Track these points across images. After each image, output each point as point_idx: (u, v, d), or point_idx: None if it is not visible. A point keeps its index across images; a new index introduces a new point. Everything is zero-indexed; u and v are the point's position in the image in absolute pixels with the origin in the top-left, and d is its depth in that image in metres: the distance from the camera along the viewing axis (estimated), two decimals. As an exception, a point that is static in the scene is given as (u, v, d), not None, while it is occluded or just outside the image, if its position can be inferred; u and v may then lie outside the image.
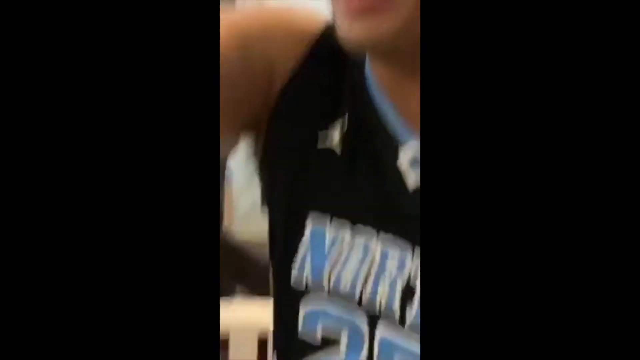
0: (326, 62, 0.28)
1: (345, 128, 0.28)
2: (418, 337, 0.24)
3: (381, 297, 0.27)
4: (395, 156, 0.27)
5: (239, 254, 0.98)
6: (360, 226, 0.27)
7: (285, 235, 0.29)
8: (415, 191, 0.26)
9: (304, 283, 0.28)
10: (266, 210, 0.31)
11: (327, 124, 0.28)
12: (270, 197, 0.31)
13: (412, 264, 0.26)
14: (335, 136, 0.28)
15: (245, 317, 0.72)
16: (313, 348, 0.29)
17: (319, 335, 0.29)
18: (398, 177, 0.27)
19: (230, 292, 0.95)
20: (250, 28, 0.28)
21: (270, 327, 0.32)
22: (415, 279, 0.26)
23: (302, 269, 0.28)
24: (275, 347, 0.31)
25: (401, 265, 0.27)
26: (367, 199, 0.28)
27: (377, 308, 0.27)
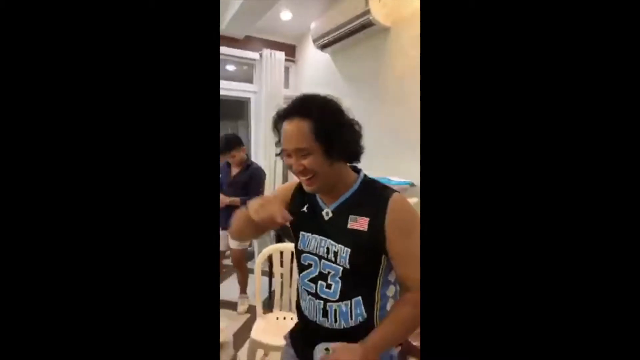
0: (303, 193, 0.85)
1: (308, 206, 0.85)
2: (338, 265, 0.77)
3: (321, 252, 0.80)
4: (321, 212, 0.82)
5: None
6: (314, 234, 0.83)
7: (296, 236, 0.87)
8: (327, 221, 0.81)
9: (301, 248, 0.84)
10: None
11: (302, 205, 0.86)
12: (292, 225, 0.87)
13: (327, 241, 0.80)
14: (305, 208, 0.85)
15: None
16: (304, 267, 0.84)
17: (306, 263, 0.83)
18: (322, 217, 0.81)
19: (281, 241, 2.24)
20: (283, 192, 0.92)
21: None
22: (329, 248, 0.79)
23: (301, 245, 0.85)
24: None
25: (322, 242, 0.80)
26: (314, 224, 0.82)
27: (322, 254, 0.80)
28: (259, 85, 3.28)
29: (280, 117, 0.75)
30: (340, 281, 0.77)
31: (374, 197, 0.77)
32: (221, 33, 3.07)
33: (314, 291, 0.81)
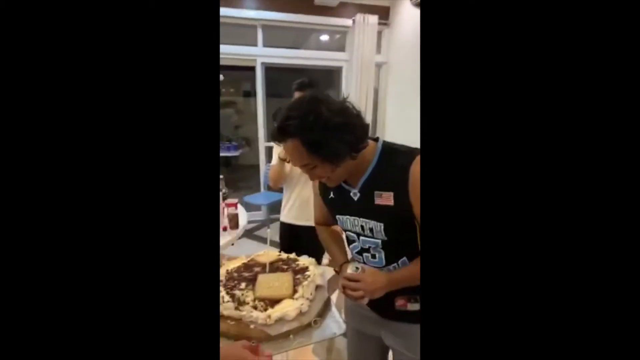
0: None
1: (333, 192, 0.86)
2: (377, 239, 0.79)
3: (357, 230, 0.82)
4: (348, 194, 0.81)
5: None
6: (347, 215, 0.84)
7: (334, 219, 0.89)
8: (356, 201, 0.80)
9: (342, 228, 0.88)
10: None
11: (329, 193, 0.87)
12: (330, 210, 0.91)
13: (360, 220, 0.80)
14: (332, 194, 0.87)
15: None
16: (350, 242, 0.88)
17: (351, 239, 0.87)
18: (350, 197, 0.81)
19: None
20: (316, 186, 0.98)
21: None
22: (364, 226, 0.80)
23: (341, 225, 0.87)
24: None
25: (356, 222, 0.82)
26: (346, 207, 0.83)
27: (359, 231, 0.82)
28: (351, 53, 3.29)
29: (275, 138, 0.74)
30: (382, 251, 0.82)
31: (395, 167, 0.74)
32: (315, 3, 3.16)
33: (362, 261, 0.87)
